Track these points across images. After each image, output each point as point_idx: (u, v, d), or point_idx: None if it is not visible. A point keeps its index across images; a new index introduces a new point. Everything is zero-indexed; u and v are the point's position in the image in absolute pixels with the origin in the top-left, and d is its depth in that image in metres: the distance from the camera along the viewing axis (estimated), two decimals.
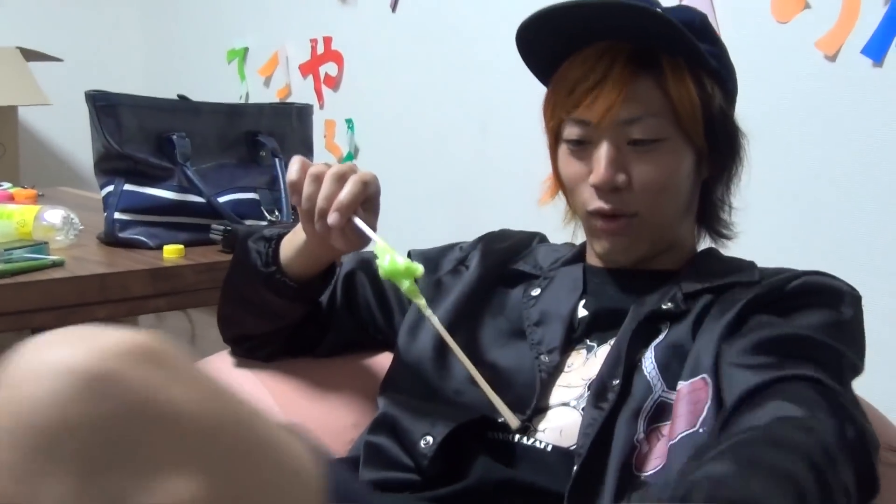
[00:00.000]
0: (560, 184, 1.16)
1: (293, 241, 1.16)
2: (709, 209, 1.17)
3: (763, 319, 0.99)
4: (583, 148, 1.09)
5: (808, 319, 0.99)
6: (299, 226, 1.14)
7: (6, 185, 2.39)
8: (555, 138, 1.14)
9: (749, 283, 1.07)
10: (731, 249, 1.21)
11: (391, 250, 1.02)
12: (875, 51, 1.76)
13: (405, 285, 1.02)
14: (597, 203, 1.08)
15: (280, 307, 1.19)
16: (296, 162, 1.08)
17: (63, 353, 0.66)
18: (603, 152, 1.06)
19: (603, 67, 1.06)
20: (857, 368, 0.98)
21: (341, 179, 1.04)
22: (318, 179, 1.05)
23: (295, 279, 1.16)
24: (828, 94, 1.84)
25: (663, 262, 1.13)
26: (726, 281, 1.08)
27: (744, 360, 0.94)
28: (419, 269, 1.03)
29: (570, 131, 1.10)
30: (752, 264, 1.13)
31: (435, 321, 1.02)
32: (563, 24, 1.08)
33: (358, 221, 1.04)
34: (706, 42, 1.08)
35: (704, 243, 1.21)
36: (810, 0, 1.85)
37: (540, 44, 1.12)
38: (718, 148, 1.11)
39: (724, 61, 1.12)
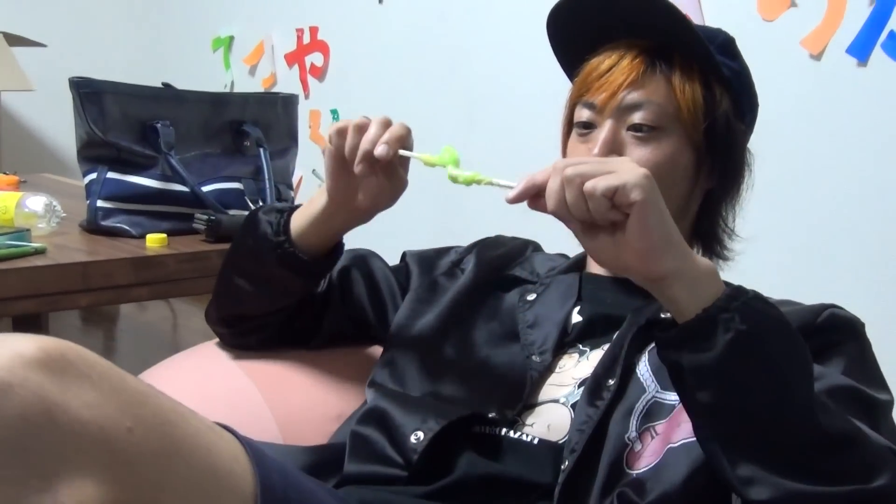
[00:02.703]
0: None
1: (307, 212, 1.15)
2: (707, 224, 1.18)
3: None
4: (589, 132, 1.13)
5: (843, 362, 1.00)
6: (316, 196, 1.15)
7: None
8: (568, 126, 1.18)
9: None
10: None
11: (442, 159, 1.04)
12: (860, 50, 1.78)
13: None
14: None
15: (284, 281, 1.18)
16: (339, 121, 1.09)
17: None
18: (602, 132, 1.10)
19: (616, 57, 1.11)
20: (891, 405, 1.01)
21: (386, 125, 1.06)
22: (362, 129, 1.06)
23: (303, 251, 1.16)
24: (812, 92, 1.85)
25: None
26: None
27: None
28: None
29: (579, 114, 1.14)
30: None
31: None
32: (585, 15, 1.13)
33: (403, 151, 1.05)
34: (726, 56, 1.13)
35: None
36: None
37: (568, 36, 1.18)
38: (718, 156, 1.13)
39: (744, 80, 1.16)
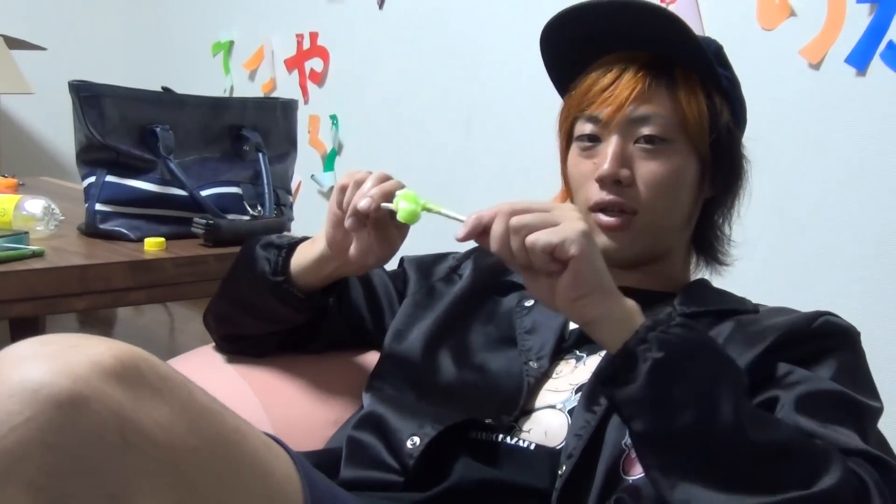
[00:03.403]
0: (567, 186, 1.19)
1: (308, 253, 1.16)
2: (706, 231, 1.19)
3: (793, 370, 1.00)
4: (592, 146, 1.13)
5: (834, 367, 1.01)
6: (316, 237, 1.15)
7: None
8: (567, 140, 1.18)
9: (746, 312, 1.11)
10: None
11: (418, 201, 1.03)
12: (859, 60, 1.78)
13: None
14: (599, 196, 1.11)
15: (283, 314, 1.20)
16: (346, 175, 1.09)
17: (34, 371, 0.66)
18: (610, 146, 1.10)
19: (618, 70, 1.12)
20: (879, 412, 1.01)
21: (382, 179, 1.06)
22: (360, 185, 1.06)
23: (303, 290, 1.16)
24: (811, 101, 1.85)
25: (653, 282, 1.15)
26: (724, 307, 1.12)
27: (788, 415, 0.96)
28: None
29: (582, 127, 1.14)
30: (743, 298, 1.16)
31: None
32: (583, 28, 1.13)
33: (385, 205, 1.05)
34: (721, 67, 1.14)
35: (697, 275, 1.23)
36: (796, 8, 1.86)
37: (562, 51, 1.18)
38: (721, 164, 1.14)
39: (736, 90, 1.17)
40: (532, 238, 0.88)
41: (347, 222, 1.06)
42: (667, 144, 1.10)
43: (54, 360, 0.68)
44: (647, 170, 1.10)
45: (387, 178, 1.06)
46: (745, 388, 0.93)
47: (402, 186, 1.06)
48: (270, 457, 0.84)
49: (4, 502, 0.65)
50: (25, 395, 0.66)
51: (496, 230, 0.90)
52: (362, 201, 1.03)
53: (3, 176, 2.42)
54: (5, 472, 0.65)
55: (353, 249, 1.09)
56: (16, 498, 0.65)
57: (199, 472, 0.74)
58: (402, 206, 1.02)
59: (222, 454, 0.77)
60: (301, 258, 1.16)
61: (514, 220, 0.89)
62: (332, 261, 1.13)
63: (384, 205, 1.05)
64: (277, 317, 1.21)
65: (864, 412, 0.98)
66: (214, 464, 0.76)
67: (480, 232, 0.92)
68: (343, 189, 1.07)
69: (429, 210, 1.02)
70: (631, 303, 0.92)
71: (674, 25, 1.09)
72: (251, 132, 1.92)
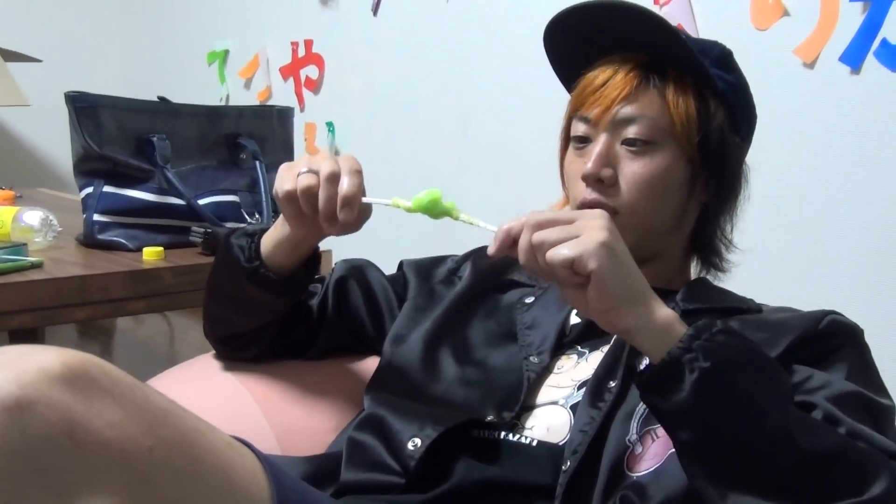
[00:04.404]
0: (564, 186, 1.21)
1: (273, 236, 1.16)
2: (704, 236, 1.19)
3: (813, 374, 1.00)
4: (585, 146, 1.14)
5: (846, 367, 1.01)
6: (279, 221, 1.14)
7: None
8: (565, 140, 1.19)
9: (749, 311, 1.11)
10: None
11: (404, 202, 1.04)
12: (852, 58, 1.78)
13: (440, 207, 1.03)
14: (583, 193, 1.12)
15: (265, 301, 1.19)
16: (282, 176, 1.08)
17: None
18: (597, 146, 1.11)
19: (612, 70, 1.12)
20: (893, 410, 1.01)
21: (334, 178, 1.04)
22: (311, 191, 1.05)
23: (277, 272, 1.16)
24: (806, 100, 1.86)
25: (652, 279, 1.13)
26: (726, 305, 1.12)
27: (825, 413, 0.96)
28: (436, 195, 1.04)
29: (576, 128, 1.15)
30: (744, 296, 1.16)
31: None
32: (579, 30, 1.15)
33: (366, 199, 1.06)
34: (721, 69, 1.14)
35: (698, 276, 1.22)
36: (789, 8, 1.87)
37: (563, 51, 1.19)
38: (713, 168, 1.13)
39: (740, 93, 1.17)
40: (551, 254, 0.88)
41: (325, 226, 1.06)
42: (652, 146, 1.10)
43: (3, 368, 0.71)
44: (630, 170, 1.10)
45: (336, 175, 1.05)
46: (791, 392, 0.93)
47: (360, 174, 1.05)
48: (234, 455, 0.84)
49: None
50: None
51: (522, 244, 0.90)
52: (342, 214, 1.03)
53: (1, 188, 2.43)
54: None
55: (330, 231, 1.09)
56: None
57: (156, 470, 0.75)
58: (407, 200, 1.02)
59: (180, 453, 0.78)
60: (270, 242, 1.16)
61: (535, 237, 0.89)
62: (304, 241, 1.14)
63: (372, 200, 1.06)
64: (260, 305, 1.20)
65: (882, 412, 0.98)
66: (172, 461, 0.77)
67: (510, 244, 0.92)
68: (292, 200, 1.06)
69: (458, 218, 1.02)
70: (667, 310, 0.91)
71: (661, 28, 1.10)
72: (248, 140, 1.93)
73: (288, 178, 1.06)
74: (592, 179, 1.11)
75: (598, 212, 0.95)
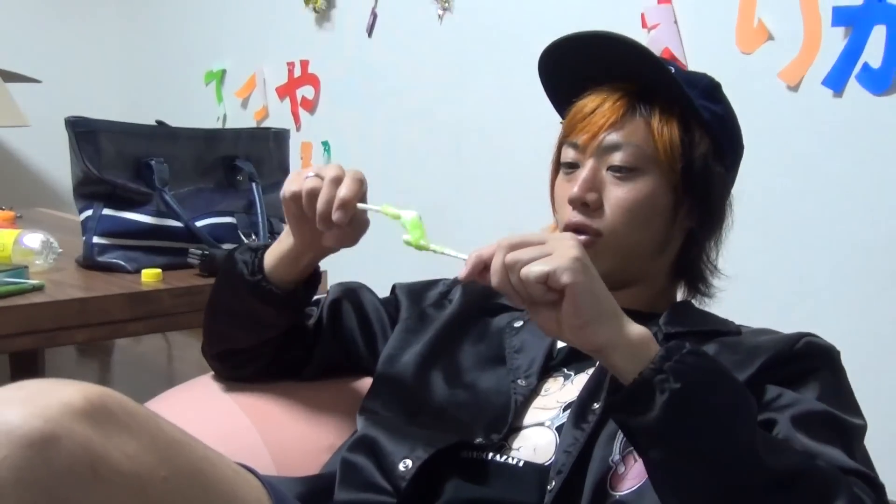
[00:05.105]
0: (553, 209, 1.24)
1: (277, 250, 1.19)
2: (689, 262, 1.21)
3: (783, 393, 1.03)
4: (573, 171, 1.17)
5: (818, 387, 1.04)
6: (283, 234, 1.18)
7: None
8: (556, 165, 1.22)
9: (729, 333, 1.14)
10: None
11: (397, 213, 1.07)
12: (835, 82, 1.82)
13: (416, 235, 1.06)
14: (569, 216, 1.15)
15: (267, 316, 1.22)
16: (290, 178, 1.12)
17: (7, 415, 0.71)
18: (584, 171, 1.15)
19: (601, 99, 1.16)
20: (864, 430, 1.04)
21: (337, 182, 1.09)
22: (314, 192, 1.09)
23: (280, 286, 1.19)
24: (790, 122, 1.89)
25: (636, 301, 1.16)
26: (708, 328, 1.14)
27: (789, 436, 0.98)
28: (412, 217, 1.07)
29: (565, 153, 1.19)
30: (725, 319, 1.19)
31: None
32: (571, 59, 1.19)
33: (360, 205, 1.09)
34: (708, 100, 1.17)
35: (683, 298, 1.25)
36: (773, 32, 1.90)
37: (556, 81, 1.23)
38: (695, 197, 1.16)
39: (727, 124, 1.20)
40: (525, 270, 0.89)
41: (319, 227, 1.09)
42: (637, 172, 1.14)
43: (27, 403, 0.73)
44: (614, 195, 1.14)
45: (340, 178, 1.09)
46: (756, 413, 0.95)
47: (362, 182, 1.10)
48: (241, 482, 0.87)
49: None
50: (0, 437, 0.71)
51: (495, 266, 0.92)
52: (336, 215, 1.07)
53: (1, 208, 2.43)
54: None
55: (328, 241, 1.13)
56: None
57: (170, 499, 0.78)
58: (407, 237, 1.05)
59: (192, 482, 0.81)
60: (273, 257, 1.19)
61: (509, 258, 0.91)
62: (305, 253, 1.17)
63: (365, 206, 1.09)
64: (262, 320, 1.23)
65: (850, 430, 1.01)
66: (184, 491, 0.80)
67: (482, 269, 0.94)
68: (296, 200, 1.10)
69: (430, 249, 1.05)
70: (640, 329, 0.93)
71: (648, 59, 1.14)
72: (244, 162, 1.94)
73: (295, 181, 1.11)
74: (578, 203, 1.14)
75: (568, 234, 0.98)
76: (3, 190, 3.23)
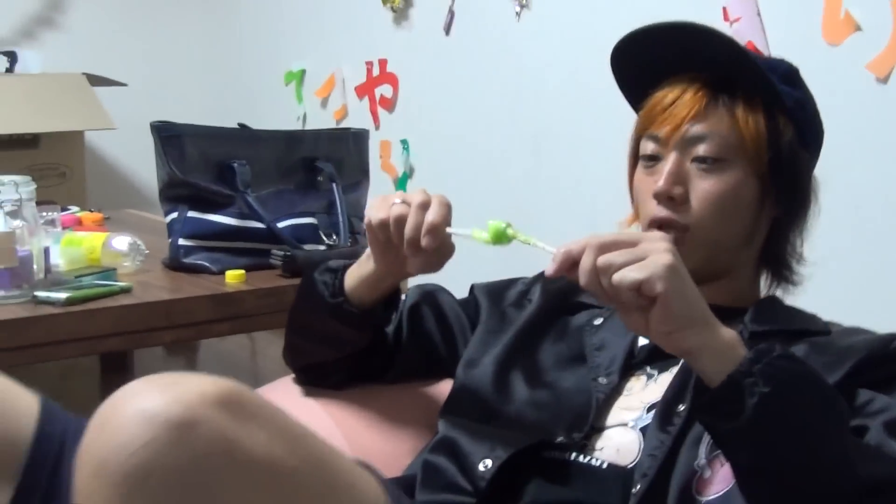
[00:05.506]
0: (634, 204, 1.22)
1: (357, 273, 1.19)
2: (774, 250, 1.20)
3: (875, 397, 1.00)
4: (654, 164, 1.15)
5: None
6: (364, 257, 1.18)
7: (74, 208, 2.44)
8: (634, 158, 1.21)
9: (818, 333, 1.11)
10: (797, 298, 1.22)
11: (482, 234, 1.07)
12: None
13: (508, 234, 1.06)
14: (655, 211, 1.13)
15: (347, 335, 1.23)
16: (375, 205, 1.12)
17: (149, 401, 0.73)
18: (667, 164, 1.12)
19: (680, 89, 1.14)
20: None
21: (424, 207, 1.08)
22: (402, 219, 1.08)
23: (359, 307, 1.20)
24: (879, 115, 1.84)
25: (723, 297, 1.14)
26: (795, 328, 1.12)
27: (882, 443, 0.95)
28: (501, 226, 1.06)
29: (645, 146, 1.17)
30: (814, 315, 1.16)
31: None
32: (647, 50, 1.17)
33: (449, 229, 1.09)
34: (789, 86, 1.15)
35: (767, 293, 1.23)
36: (861, 23, 1.85)
37: (631, 72, 1.21)
38: (783, 185, 1.14)
39: (808, 109, 1.18)
40: (618, 277, 0.88)
41: (407, 252, 1.09)
42: (723, 163, 1.12)
43: (166, 391, 0.75)
44: (701, 188, 1.12)
45: (427, 203, 1.08)
46: (848, 418, 0.93)
47: (449, 207, 1.09)
48: (360, 477, 0.88)
49: None
50: (143, 422, 0.73)
51: (584, 266, 0.91)
52: (424, 240, 1.06)
53: (91, 210, 2.49)
54: (129, 494, 0.71)
55: (412, 268, 1.13)
56: None
57: (300, 491, 0.80)
58: (485, 231, 1.05)
59: (318, 474, 0.82)
60: (354, 278, 1.19)
61: (601, 261, 0.90)
62: (387, 278, 1.17)
63: (453, 230, 1.09)
64: (342, 339, 1.24)
65: None
66: (312, 482, 0.81)
67: (570, 266, 0.93)
68: (384, 228, 1.09)
69: (517, 238, 1.05)
70: (729, 332, 0.92)
71: (729, 47, 1.12)
72: (325, 163, 1.96)
73: (382, 208, 1.10)
74: (664, 197, 1.12)
75: (660, 234, 0.97)
76: (92, 192, 3.30)
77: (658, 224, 1.13)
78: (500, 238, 1.06)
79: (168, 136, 1.80)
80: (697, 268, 1.12)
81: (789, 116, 1.15)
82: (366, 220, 1.12)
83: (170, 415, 0.73)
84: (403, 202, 1.09)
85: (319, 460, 0.84)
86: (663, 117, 1.14)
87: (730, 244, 1.15)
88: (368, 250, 1.16)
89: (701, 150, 1.12)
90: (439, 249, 1.10)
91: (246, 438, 0.76)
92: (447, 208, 1.09)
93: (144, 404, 0.73)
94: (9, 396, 0.98)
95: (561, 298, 1.28)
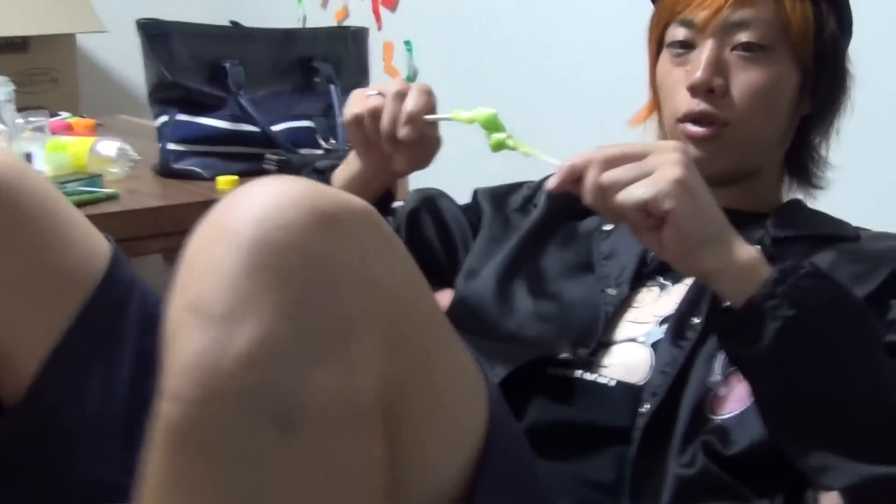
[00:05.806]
0: (655, 97, 1.14)
1: (345, 173, 1.15)
2: (801, 151, 1.13)
3: None
4: (685, 52, 1.07)
5: None
6: (351, 157, 1.14)
7: (65, 114, 2.39)
8: (657, 47, 1.12)
9: (846, 239, 1.05)
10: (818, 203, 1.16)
11: (471, 116, 1.02)
12: None
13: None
14: (689, 105, 1.05)
15: None
16: (351, 100, 1.07)
17: (294, 188, 0.67)
18: (705, 52, 1.04)
19: None
20: None
21: (401, 97, 1.03)
22: (377, 112, 1.03)
23: None
24: None
25: (745, 201, 1.08)
26: (820, 232, 1.06)
27: None
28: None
29: (675, 32, 1.08)
30: (842, 220, 1.10)
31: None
32: None
33: (428, 116, 1.04)
34: None
35: (789, 197, 1.17)
36: None
37: None
38: (824, 77, 1.08)
39: None
40: (622, 195, 0.83)
41: (386, 147, 1.04)
42: (767, 52, 1.04)
43: (314, 186, 0.69)
44: (744, 78, 1.04)
45: (404, 93, 1.03)
46: (881, 341, 0.88)
47: (429, 95, 1.04)
48: (466, 359, 0.82)
49: (246, 289, 0.64)
50: (288, 202, 0.66)
51: (588, 184, 0.86)
52: (402, 131, 1.01)
53: (82, 116, 2.44)
54: (258, 266, 0.65)
55: (398, 164, 1.07)
56: (268, 294, 0.64)
57: (414, 334, 0.73)
58: (497, 135, 1.01)
59: (434, 323, 0.77)
60: (343, 179, 1.15)
61: (605, 177, 0.84)
62: (376, 177, 1.13)
63: (433, 117, 1.04)
64: None
65: None
66: (426, 329, 0.76)
67: (574, 181, 0.87)
68: (359, 123, 1.05)
69: (520, 150, 0.99)
70: (750, 250, 0.86)
71: None
72: (322, 63, 1.92)
73: (357, 102, 1.06)
74: (703, 89, 1.03)
75: (673, 143, 0.90)
76: (85, 98, 3.26)
77: (693, 118, 1.05)
78: (491, 120, 1.01)
79: (155, 35, 1.77)
80: (728, 168, 1.07)
81: (830, 3, 1.07)
82: (342, 117, 1.08)
83: (318, 202, 0.67)
84: (379, 94, 1.04)
85: (435, 310, 0.79)
86: (699, 1, 1.05)
87: (766, 141, 1.08)
88: (354, 151, 1.12)
89: (744, 36, 1.03)
90: (423, 143, 1.05)
91: (379, 260, 0.70)
92: (427, 96, 1.03)
93: (291, 189, 0.67)
94: (87, 231, 1.04)
95: (568, 201, 1.21)
